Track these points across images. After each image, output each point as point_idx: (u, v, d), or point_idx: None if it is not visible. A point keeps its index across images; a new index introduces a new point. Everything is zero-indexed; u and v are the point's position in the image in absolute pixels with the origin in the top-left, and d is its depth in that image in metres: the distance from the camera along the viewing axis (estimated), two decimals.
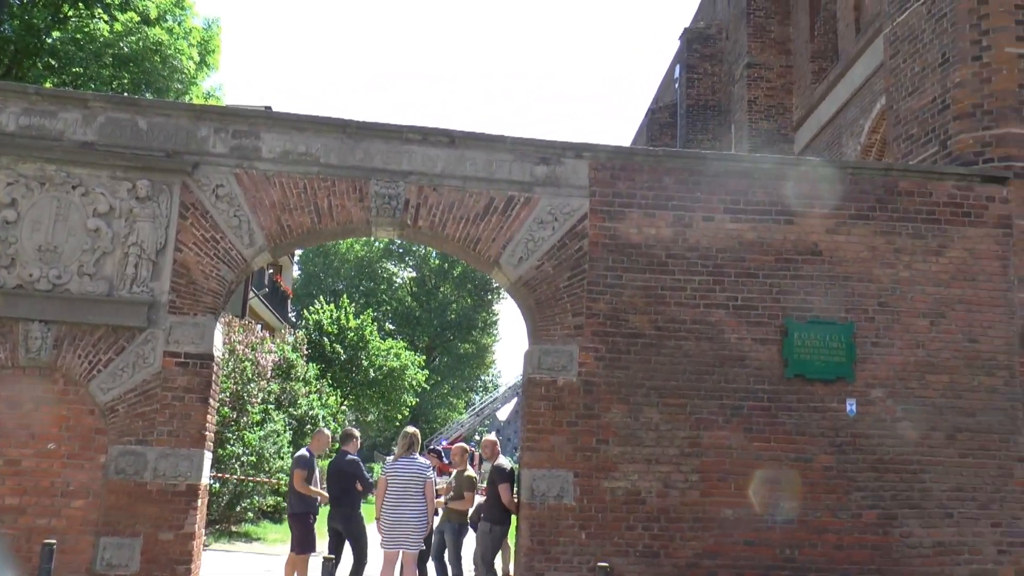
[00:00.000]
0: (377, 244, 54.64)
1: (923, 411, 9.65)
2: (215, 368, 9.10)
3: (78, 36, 18.62)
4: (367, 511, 11.03)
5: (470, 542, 11.05)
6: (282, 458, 17.85)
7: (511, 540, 11.20)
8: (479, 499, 11.47)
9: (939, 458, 9.58)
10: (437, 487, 10.96)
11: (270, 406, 18.88)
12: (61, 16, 19.15)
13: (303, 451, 11.08)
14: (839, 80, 18.27)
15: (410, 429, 10.18)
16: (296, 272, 49.41)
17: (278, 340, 22.03)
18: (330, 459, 11.75)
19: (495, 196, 9.59)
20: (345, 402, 31.20)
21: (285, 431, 18.85)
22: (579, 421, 9.25)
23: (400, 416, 36.50)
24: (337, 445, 11.98)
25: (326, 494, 10.76)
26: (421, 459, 10.06)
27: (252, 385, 17.71)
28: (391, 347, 34.27)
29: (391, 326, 52.22)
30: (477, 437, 56.94)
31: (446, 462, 13.81)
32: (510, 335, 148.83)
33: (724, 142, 23.77)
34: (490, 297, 55.82)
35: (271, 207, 9.31)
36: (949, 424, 9.65)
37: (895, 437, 9.58)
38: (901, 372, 9.71)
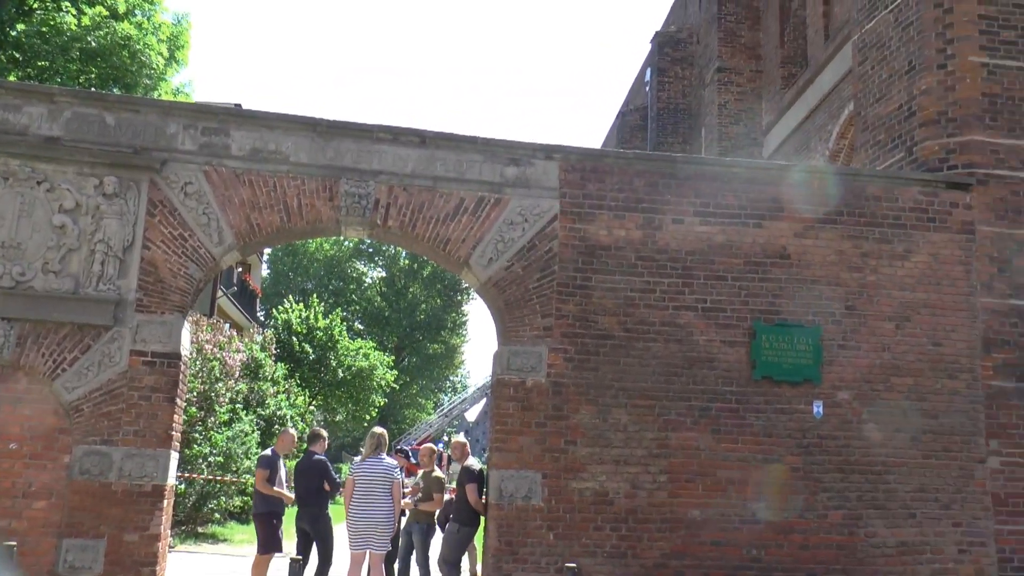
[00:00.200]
0: (347, 243, 54.43)
1: (888, 413, 9.78)
2: (182, 367, 9.01)
3: (44, 29, 18.38)
4: (335, 512, 10.98)
5: (438, 543, 11.03)
6: (249, 458, 17.71)
7: (478, 541, 11.19)
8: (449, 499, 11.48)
9: (903, 459, 9.71)
10: (405, 488, 10.94)
11: (238, 406, 18.74)
12: (26, 8, 18.90)
13: (267, 451, 11.02)
14: (808, 86, 18.46)
15: (377, 430, 10.16)
16: (265, 271, 49.07)
17: (246, 339, 21.87)
18: (298, 459, 11.69)
19: (465, 196, 9.58)
20: (313, 402, 31.04)
21: (253, 431, 18.71)
22: (548, 422, 9.26)
23: (368, 416, 36.37)
24: (305, 445, 11.92)
25: (289, 494, 10.71)
26: (388, 459, 10.05)
27: (220, 385, 17.58)
28: (360, 347, 34.15)
29: (360, 326, 52.04)
30: (446, 438, 56.84)
31: (414, 462, 13.80)
32: (479, 336, 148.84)
33: (694, 145, 23.93)
34: (459, 298, 55.80)
35: (240, 205, 9.24)
36: (913, 426, 9.78)
37: (861, 439, 9.69)
38: (867, 375, 9.83)
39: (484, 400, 56.23)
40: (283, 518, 10.72)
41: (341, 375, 32.34)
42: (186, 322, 9.20)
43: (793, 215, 10.01)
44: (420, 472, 11.36)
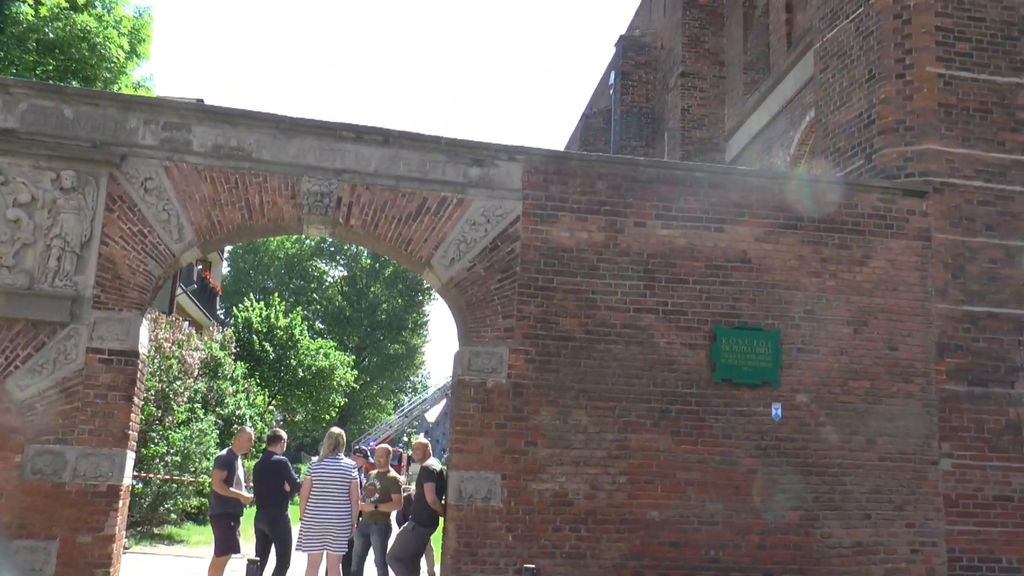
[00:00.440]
0: (308, 242, 54.09)
1: (845, 416, 9.91)
2: (140, 365, 8.89)
3: None
4: (294, 513, 10.90)
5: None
6: (208, 458, 17.50)
7: (437, 543, 11.16)
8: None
9: (859, 461, 9.84)
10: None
11: (196, 405, 18.52)
12: None
13: (224, 451, 10.90)
14: (770, 92, 18.65)
15: (335, 430, 10.11)
16: (225, 268, 48.58)
17: (206, 338, 21.64)
18: (256, 459, 11.59)
19: (428, 196, 9.56)
20: (273, 402, 30.79)
21: (211, 431, 18.51)
22: (508, 423, 9.27)
23: (328, 416, 36.17)
24: (264, 446, 11.81)
25: (248, 495, 10.60)
26: (346, 460, 10.01)
27: (178, 383, 17.37)
28: (320, 346, 33.94)
29: (321, 325, 51.71)
30: (406, 438, 56.64)
31: (372, 462, 13.73)
32: (440, 336, 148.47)
33: (657, 149, 24.07)
34: (421, 298, 55.65)
35: (201, 202, 9.15)
36: (869, 429, 9.93)
37: (818, 441, 9.82)
38: (825, 378, 9.96)
39: (444, 401, 56.17)
40: (241, 519, 10.62)
41: (301, 375, 32.12)
42: (144, 319, 9.09)
43: (754, 220, 10.12)
44: (374, 472, 11.28)
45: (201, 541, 16.81)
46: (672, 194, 10.02)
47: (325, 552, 9.60)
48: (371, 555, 11.10)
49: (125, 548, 11.76)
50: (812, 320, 10.04)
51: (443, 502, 9.91)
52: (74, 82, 18.20)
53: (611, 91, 27.18)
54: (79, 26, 18.21)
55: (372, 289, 54.81)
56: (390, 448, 11.96)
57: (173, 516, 17.64)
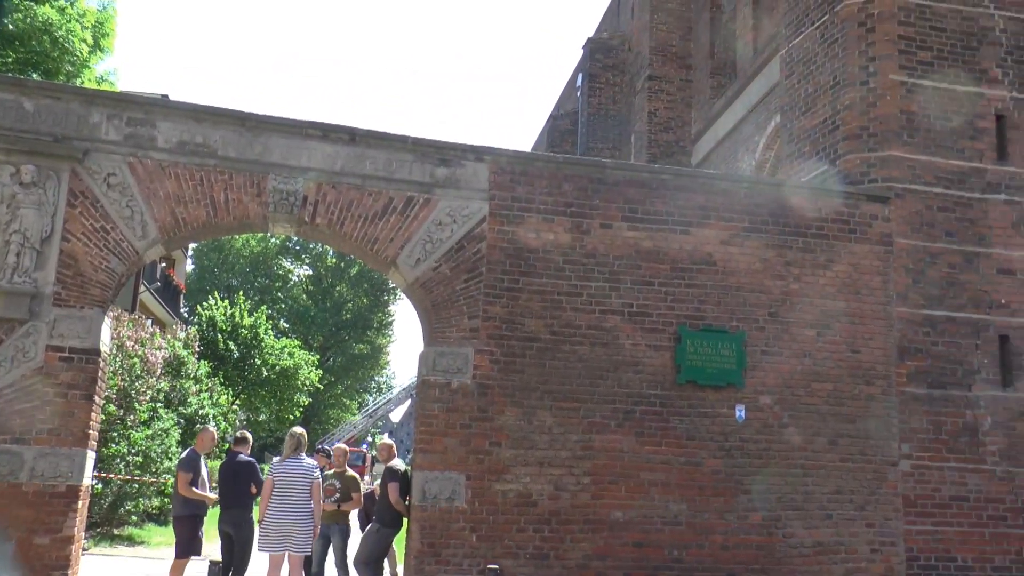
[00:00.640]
0: (273, 240, 53.73)
1: (808, 417, 10.02)
2: (101, 364, 8.77)
3: None
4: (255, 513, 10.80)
5: (356, 544, 10.91)
6: (170, 458, 17.29)
7: (400, 544, 11.12)
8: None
9: (821, 462, 9.96)
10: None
11: (159, 404, 18.28)
12: None
13: (188, 452, 10.77)
14: (736, 97, 18.83)
15: (297, 430, 10.04)
16: (189, 266, 48.11)
17: (169, 336, 21.37)
18: (220, 459, 11.47)
19: (394, 196, 9.54)
20: (237, 401, 30.51)
21: (173, 430, 18.30)
22: (472, 424, 9.27)
23: (292, 416, 35.89)
24: (227, 446, 11.69)
25: (213, 496, 10.49)
26: (308, 460, 9.94)
27: (140, 382, 17.13)
28: (285, 346, 33.75)
29: (285, 324, 51.37)
30: (370, 439, 56.41)
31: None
32: (405, 336, 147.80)
33: (624, 151, 24.20)
34: (386, 297, 55.47)
35: (165, 198, 9.05)
36: (831, 430, 10.05)
37: (781, 442, 9.92)
38: (788, 380, 10.06)
39: (409, 401, 55.98)
40: (204, 520, 10.50)
41: (265, 374, 31.91)
42: (106, 317, 8.97)
43: (720, 223, 10.20)
44: (331, 471, 11.20)
45: (162, 542, 16.61)
46: (638, 196, 10.08)
47: (287, 553, 9.52)
48: (331, 555, 11.02)
49: (84, 550, 11.59)
50: (776, 322, 10.14)
51: (407, 503, 9.87)
52: (35, 75, 17.91)
53: (579, 93, 27.27)
54: (40, 18, 17.94)
55: (337, 288, 54.56)
56: (347, 448, 11.89)
57: (134, 517, 17.40)
